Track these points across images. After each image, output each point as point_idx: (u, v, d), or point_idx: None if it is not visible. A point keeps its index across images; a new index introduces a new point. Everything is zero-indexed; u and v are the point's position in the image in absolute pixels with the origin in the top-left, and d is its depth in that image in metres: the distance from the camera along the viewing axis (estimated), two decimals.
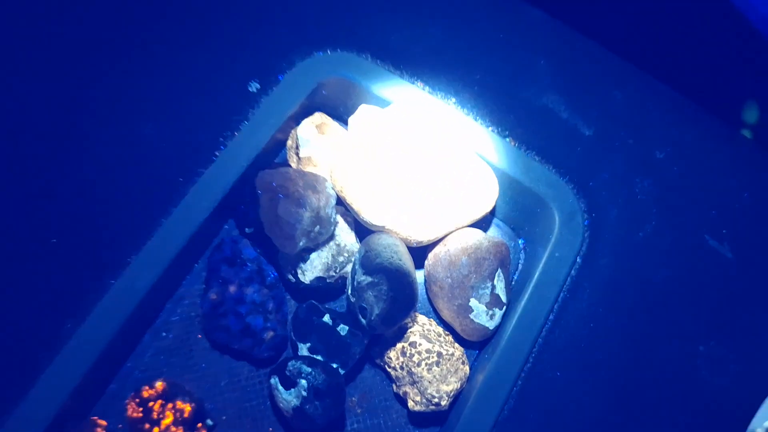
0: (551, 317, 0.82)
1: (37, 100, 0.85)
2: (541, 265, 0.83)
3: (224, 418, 0.81)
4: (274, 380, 0.77)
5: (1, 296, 0.77)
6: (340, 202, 0.83)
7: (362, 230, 0.85)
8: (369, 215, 0.79)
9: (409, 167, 0.82)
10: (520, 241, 0.92)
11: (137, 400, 0.77)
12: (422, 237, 0.82)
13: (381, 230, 0.81)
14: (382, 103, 0.88)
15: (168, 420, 0.76)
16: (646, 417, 0.79)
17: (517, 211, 0.89)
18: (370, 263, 0.76)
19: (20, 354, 0.75)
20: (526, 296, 0.82)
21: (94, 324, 0.76)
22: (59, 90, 0.85)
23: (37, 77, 0.85)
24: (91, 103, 0.84)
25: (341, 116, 0.93)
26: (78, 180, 0.83)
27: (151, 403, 0.77)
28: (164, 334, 0.84)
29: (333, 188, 0.80)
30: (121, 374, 0.81)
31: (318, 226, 0.78)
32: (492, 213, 0.88)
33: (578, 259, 0.84)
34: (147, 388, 0.78)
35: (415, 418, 0.83)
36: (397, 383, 0.82)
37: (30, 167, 0.82)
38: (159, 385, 0.78)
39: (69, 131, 0.84)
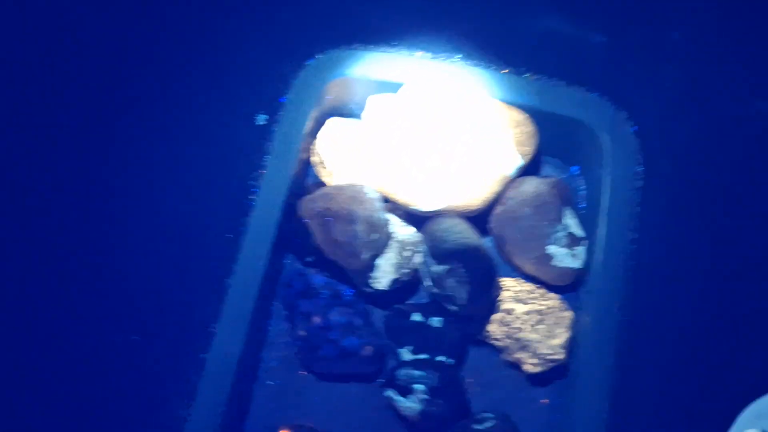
0: (636, 235, 0.79)
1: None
2: (609, 189, 0.80)
3: None
4: (390, 392, 0.77)
5: (107, 393, 0.78)
6: (386, 200, 0.81)
7: (416, 217, 0.83)
8: (418, 204, 0.77)
9: (439, 141, 0.79)
10: (573, 169, 0.89)
11: None
12: (477, 203, 0.80)
13: (436, 214, 0.79)
14: (389, 85, 0.85)
15: None
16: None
17: (561, 141, 0.86)
18: (439, 252, 0.74)
19: None
20: (605, 222, 0.79)
21: (205, 400, 0.76)
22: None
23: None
24: (112, 191, 0.84)
25: (353, 112, 0.91)
26: (132, 269, 0.83)
27: None
28: (269, 382, 0.84)
29: (374, 191, 0.78)
30: None
31: (375, 233, 0.77)
32: (536, 153, 0.85)
33: (639, 169, 0.80)
34: None
35: (536, 377, 0.82)
36: (506, 352, 0.81)
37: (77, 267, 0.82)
38: None
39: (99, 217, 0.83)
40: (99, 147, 0.81)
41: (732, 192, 0.77)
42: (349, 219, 0.74)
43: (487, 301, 0.77)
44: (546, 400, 0.82)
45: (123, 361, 0.78)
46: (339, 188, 0.77)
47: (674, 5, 0.81)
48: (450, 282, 0.74)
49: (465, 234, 0.75)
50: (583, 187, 0.89)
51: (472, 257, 0.73)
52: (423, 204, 0.77)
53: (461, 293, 0.74)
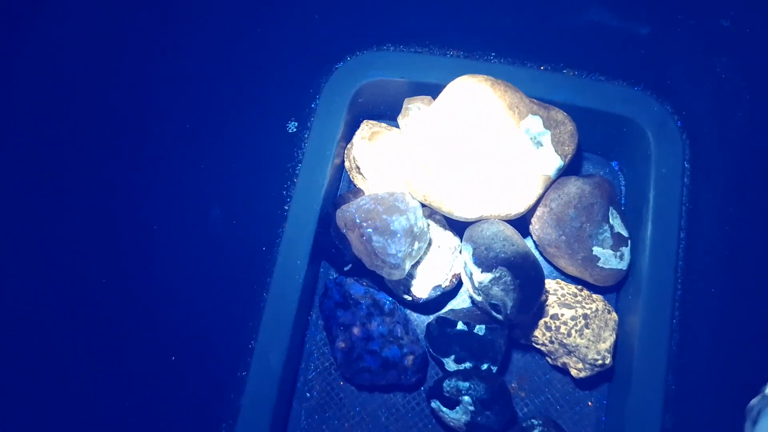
0: (683, 235, 0.76)
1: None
2: (651, 185, 0.77)
3: None
4: (436, 404, 0.76)
5: (150, 416, 0.77)
6: (424, 205, 0.79)
7: (454, 221, 0.80)
8: (462, 212, 0.75)
9: (477, 144, 0.76)
10: (613, 164, 0.87)
11: None
12: (520, 208, 0.77)
13: (478, 219, 0.77)
14: (423, 86, 0.83)
15: None
16: None
17: (601, 137, 0.83)
18: (484, 260, 0.72)
19: None
20: (650, 221, 0.77)
21: (248, 418, 0.75)
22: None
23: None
24: (149, 213, 0.82)
25: (385, 114, 0.88)
26: (167, 289, 0.80)
27: None
28: (308, 394, 0.83)
29: (414, 198, 0.76)
30: None
31: (417, 243, 0.74)
32: (577, 151, 0.82)
33: (686, 165, 0.78)
34: None
35: (582, 382, 0.80)
36: (552, 357, 0.79)
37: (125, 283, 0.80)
38: None
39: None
40: (129, 163, 0.80)
41: None
42: (390, 231, 0.72)
43: (534, 309, 0.75)
44: (590, 403, 0.81)
45: (164, 383, 0.76)
46: (378, 198, 0.75)
47: None
48: (495, 291, 0.72)
49: (511, 241, 0.72)
50: (624, 182, 0.86)
51: (519, 266, 0.71)
52: (465, 211, 0.75)
53: (508, 302, 0.71)
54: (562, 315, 0.76)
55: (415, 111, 0.80)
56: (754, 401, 0.68)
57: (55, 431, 0.72)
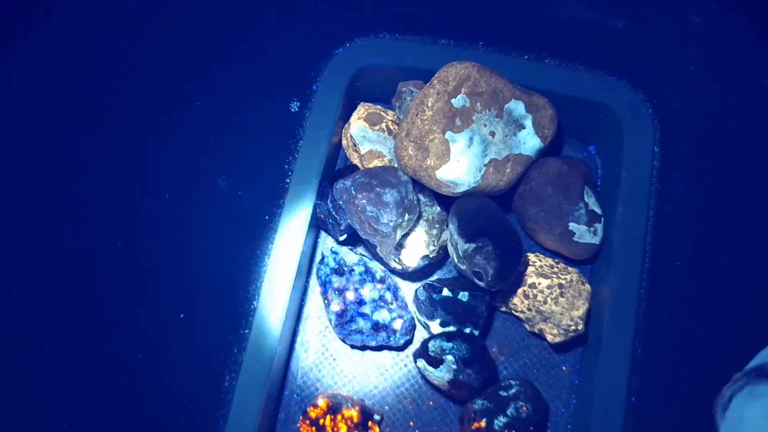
0: (651, 213, 0.83)
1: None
2: (623, 167, 0.84)
3: (387, 408, 0.87)
4: (422, 363, 0.82)
5: (161, 369, 0.84)
6: (415, 181, 0.86)
7: (442, 196, 0.87)
8: (449, 186, 0.82)
9: (464, 126, 0.83)
10: (591, 149, 0.93)
11: (308, 421, 0.83)
12: (502, 185, 0.84)
13: (464, 194, 0.83)
14: (416, 71, 0.89)
15: (343, 431, 0.83)
16: None
17: (580, 122, 0.90)
18: (467, 230, 0.79)
19: (196, 413, 0.82)
20: (621, 200, 0.83)
21: (249, 371, 0.81)
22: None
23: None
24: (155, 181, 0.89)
25: (380, 96, 0.95)
26: (187, 251, 0.88)
27: (321, 421, 0.83)
28: (305, 354, 0.90)
29: (405, 173, 0.83)
30: (284, 404, 0.87)
31: (407, 215, 0.81)
32: (557, 134, 0.89)
33: (656, 149, 0.85)
34: (312, 408, 0.83)
35: (557, 346, 0.87)
36: (529, 323, 0.86)
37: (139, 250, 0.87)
38: (322, 402, 0.84)
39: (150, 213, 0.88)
40: (142, 141, 0.87)
41: (747, 170, 0.82)
42: (383, 202, 0.78)
43: (513, 277, 0.82)
44: (565, 368, 0.88)
45: (173, 338, 0.83)
46: (372, 172, 0.81)
47: None
48: (478, 259, 0.78)
49: (494, 214, 0.79)
50: (600, 165, 0.93)
51: (500, 236, 0.78)
52: (452, 187, 0.81)
53: (489, 269, 0.78)
54: (539, 284, 0.83)
55: (408, 94, 0.87)
56: (725, 388, 0.70)
57: (73, 378, 0.80)
